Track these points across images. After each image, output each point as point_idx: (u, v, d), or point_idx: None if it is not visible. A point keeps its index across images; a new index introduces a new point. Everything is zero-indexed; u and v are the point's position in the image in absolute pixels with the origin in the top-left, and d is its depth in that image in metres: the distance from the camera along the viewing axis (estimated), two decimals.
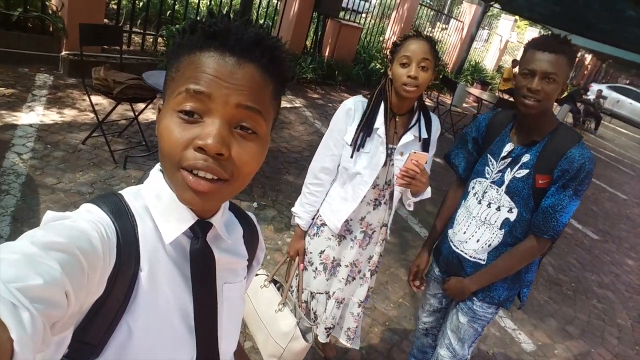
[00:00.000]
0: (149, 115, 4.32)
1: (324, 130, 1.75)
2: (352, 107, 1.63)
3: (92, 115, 3.83)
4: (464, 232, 1.66)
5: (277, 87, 0.62)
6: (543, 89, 1.40)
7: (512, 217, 1.54)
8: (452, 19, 13.12)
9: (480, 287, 1.61)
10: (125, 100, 3.47)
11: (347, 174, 1.68)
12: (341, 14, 8.92)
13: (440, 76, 9.94)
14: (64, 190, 2.94)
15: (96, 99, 4.04)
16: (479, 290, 1.64)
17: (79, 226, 0.52)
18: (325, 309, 1.88)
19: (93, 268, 0.50)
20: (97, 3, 4.90)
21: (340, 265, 1.84)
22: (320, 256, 1.80)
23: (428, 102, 9.19)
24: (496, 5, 11.17)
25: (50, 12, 4.79)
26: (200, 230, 0.64)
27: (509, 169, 1.54)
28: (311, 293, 1.85)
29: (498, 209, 1.57)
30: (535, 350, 2.99)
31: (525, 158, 1.51)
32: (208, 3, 7.04)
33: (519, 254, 1.53)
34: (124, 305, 0.57)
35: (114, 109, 3.62)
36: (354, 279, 1.89)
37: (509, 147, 1.56)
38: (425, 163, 1.53)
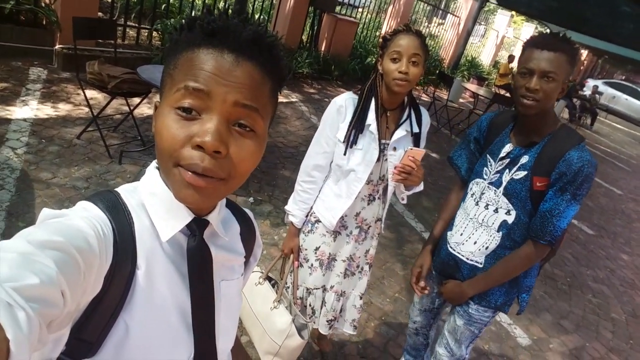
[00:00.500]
0: (144, 109, 4.29)
1: None
2: (343, 104, 1.63)
3: (86, 109, 3.80)
4: (461, 234, 1.64)
5: (275, 85, 0.62)
6: (542, 88, 1.36)
7: (510, 219, 1.51)
8: (449, 14, 13.09)
9: (478, 292, 1.58)
10: (120, 95, 3.45)
11: (341, 171, 1.68)
12: (337, 8, 8.88)
13: (437, 71, 9.95)
14: (59, 185, 2.92)
15: (91, 93, 4.01)
16: (475, 294, 1.62)
17: (75, 224, 0.52)
18: (324, 302, 1.88)
19: (89, 266, 0.50)
20: None
21: (337, 260, 1.84)
22: (316, 253, 1.80)
23: (424, 98, 9.20)
24: (492, 0, 11.18)
25: (43, 4, 4.74)
26: (197, 227, 0.64)
27: (507, 170, 1.51)
28: (307, 289, 1.85)
29: (496, 210, 1.54)
30: (530, 345, 3.01)
31: (524, 159, 1.47)
32: None
33: (516, 260, 1.50)
34: (121, 303, 0.57)
35: (108, 103, 3.59)
36: (353, 273, 1.89)
37: (508, 147, 1.53)
38: (421, 159, 1.53)
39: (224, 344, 0.73)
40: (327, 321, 1.90)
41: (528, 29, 18.15)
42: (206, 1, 7.18)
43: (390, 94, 1.60)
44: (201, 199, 0.57)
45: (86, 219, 0.54)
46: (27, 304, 0.39)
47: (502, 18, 15.98)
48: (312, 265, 1.81)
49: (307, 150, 1.75)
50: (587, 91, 14.79)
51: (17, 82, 4.12)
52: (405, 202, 1.79)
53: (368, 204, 1.75)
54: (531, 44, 1.39)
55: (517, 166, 1.49)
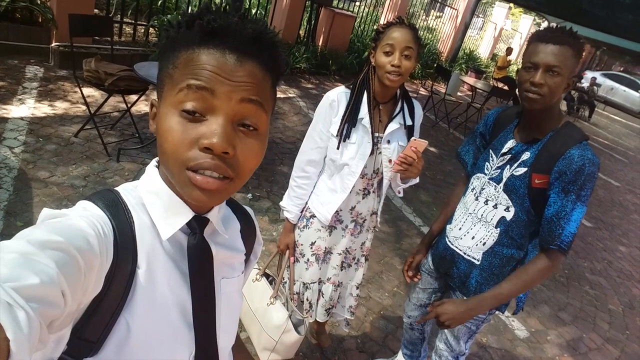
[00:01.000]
0: (142, 107, 4.29)
1: None
2: (335, 98, 1.63)
3: (84, 107, 3.80)
4: (460, 228, 1.64)
5: (275, 80, 0.63)
6: (547, 82, 1.33)
7: (509, 216, 1.50)
8: (447, 7, 13.04)
9: (487, 310, 1.50)
10: (117, 92, 3.44)
11: (335, 166, 1.68)
12: (335, 2, 8.85)
13: (435, 65, 9.92)
14: (57, 183, 2.92)
15: (88, 91, 4.01)
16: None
17: (75, 224, 0.52)
18: (322, 293, 1.90)
19: (90, 266, 0.50)
20: None
21: (333, 253, 1.85)
22: (312, 247, 1.81)
23: (422, 91, 9.18)
24: None
25: (38, 2, 4.72)
26: (197, 225, 0.65)
27: (508, 166, 1.50)
28: (304, 284, 1.87)
29: (495, 206, 1.53)
30: (528, 337, 3.03)
31: (525, 156, 1.46)
32: None
33: (529, 273, 1.43)
34: (122, 302, 0.57)
35: (105, 101, 3.58)
36: (349, 265, 1.91)
37: (510, 143, 1.52)
38: (423, 150, 1.53)
39: (224, 341, 0.73)
40: (325, 310, 1.92)
41: (526, 21, 18.10)
42: None
43: (383, 87, 1.60)
44: (210, 199, 0.58)
45: (86, 218, 0.54)
46: (27, 304, 0.39)
47: (500, 10, 15.93)
48: (308, 260, 1.83)
49: None
50: (585, 83, 14.77)
51: (14, 81, 4.11)
52: (401, 195, 1.79)
53: (363, 197, 1.76)
54: (536, 38, 1.37)
55: (518, 162, 1.47)
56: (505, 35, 18.47)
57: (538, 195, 1.43)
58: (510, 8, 15.97)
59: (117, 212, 0.59)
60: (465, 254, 1.62)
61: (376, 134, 1.65)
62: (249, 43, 0.56)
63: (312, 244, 1.81)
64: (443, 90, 7.52)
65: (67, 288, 0.45)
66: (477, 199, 1.59)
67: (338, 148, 1.63)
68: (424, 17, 13.02)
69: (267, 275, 1.86)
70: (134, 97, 3.80)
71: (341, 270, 1.88)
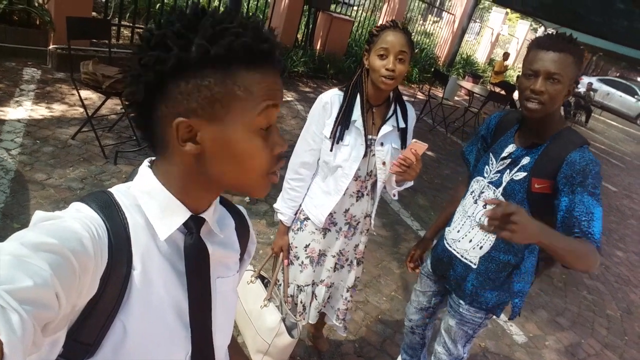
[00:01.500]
0: None
1: None
2: (328, 100, 1.63)
3: (81, 110, 3.78)
4: (458, 231, 1.64)
5: None
6: (547, 90, 1.33)
7: None
8: (444, 12, 13.10)
9: (541, 237, 1.16)
10: (114, 95, 3.43)
11: (328, 168, 1.68)
12: (332, 6, 8.88)
13: (432, 69, 9.95)
14: (54, 186, 2.91)
15: (85, 93, 4.00)
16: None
17: (69, 226, 0.52)
18: (315, 295, 1.89)
19: (84, 269, 0.50)
20: None
21: (327, 256, 1.85)
22: (306, 250, 1.80)
23: (420, 96, 9.20)
24: None
25: (36, 4, 4.71)
26: (194, 225, 0.65)
27: (507, 170, 1.50)
28: (298, 286, 1.86)
29: None
30: (526, 342, 3.02)
31: (525, 160, 1.46)
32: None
33: (582, 244, 1.26)
34: (118, 304, 0.57)
35: (103, 103, 3.57)
36: (342, 266, 1.91)
37: (510, 147, 1.52)
38: (422, 153, 1.53)
39: (220, 340, 0.74)
40: (318, 312, 1.92)
41: (523, 27, 18.22)
42: (200, 0, 7.15)
43: (376, 90, 1.60)
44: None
45: (80, 220, 0.54)
46: (20, 307, 0.39)
47: (497, 15, 16.02)
48: (302, 262, 1.82)
49: None
50: (581, 88, 14.83)
51: (11, 83, 4.09)
52: (396, 197, 1.80)
53: (357, 200, 1.75)
54: (536, 45, 1.36)
55: (517, 167, 1.47)
56: (502, 40, 18.56)
57: (538, 200, 1.43)
58: (507, 13, 16.06)
59: (111, 214, 0.59)
60: (462, 256, 1.62)
61: (369, 137, 1.65)
62: (280, 58, 0.62)
63: (306, 246, 1.80)
64: (440, 95, 7.55)
65: (61, 290, 0.45)
66: (475, 202, 1.60)
67: (331, 150, 1.63)
68: (421, 21, 13.07)
69: (262, 278, 1.85)
70: None
71: (334, 271, 1.88)
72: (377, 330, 2.65)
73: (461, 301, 1.64)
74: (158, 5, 6.31)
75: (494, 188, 1.53)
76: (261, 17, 7.46)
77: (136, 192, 0.63)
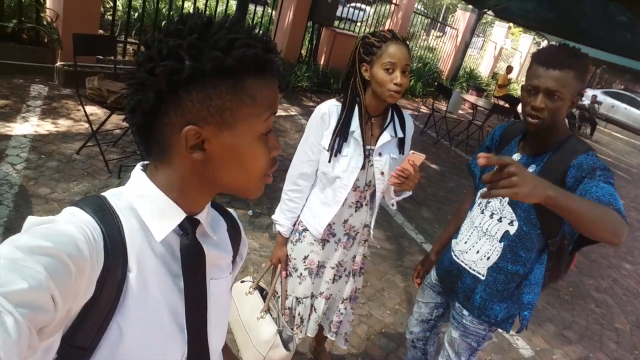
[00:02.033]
0: None
1: None
2: (326, 111, 1.63)
3: (86, 125, 3.83)
4: (465, 242, 1.63)
5: None
6: (547, 106, 1.33)
7: (512, 230, 1.49)
8: (447, 27, 13.21)
9: (554, 200, 1.07)
10: (119, 110, 3.47)
11: (327, 179, 1.68)
12: (336, 22, 8.98)
13: (436, 83, 10.00)
14: (57, 200, 2.93)
15: (91, 109, 4.04)
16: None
17: (64, 230, 0.52)
18: (315, 308, 1.87)
19: (80, 271, 0.50)
20: (92, 14, 4.92)
21: (326, 267, 1.83)
22: (305, 261, 1.79)
23: (424, 109, 9.23)
24: (490, 12, 11.29)
25: (45, 23, 4.81)
26: (189, 226, 0.66)
27: None
28: (297, 298, 1.84)
29: (500, 220, 1.52)
30: (533, 356, 2.97)
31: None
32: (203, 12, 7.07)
33: (603, 207, 1.16)
34: (114, 306, 0.57)
35: (107, 118, 3.61)
36: (340, 277, 1.89)
37: (515, 157, 1.52)
38: (419, 163, 1.53)
39: (215, 342, 0.74)
40: (317, 325, 1.90)
41: (526, 40, 18.31)
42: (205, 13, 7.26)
43: (378, 102, 1.60)
44: None
45: (75, 224, 0.54)
46: (15, 309, 0.39)
47: (499, 30, 16.13)
48: (301, 274, 1.81)
49: None
50: (586, 101, 14.82)
51: (18, 99, 4.16)
52: (395, 207, 1.80)
53: (355, 210, 1.75)
54: (537, 60, 1.36)
55: None
56: (505, 54, 18.65)
57: (544, 208, 1.42)
58: (509, 27, 16.18)
59: (105, 217, 0.59)
60: (470, 268, 1.61)
61: (368, 147, 1.65)
62: (281, 70, 0.66)
63: (305, 257, 1.79)
64: (444, 108, 7.55)
65: (57, 292, 0.45)
66: (482, 212, 1.59)
67: (329, 161, 1.63)
68: (424, 36, 13.18)
69: (260, 289, 1.84)
70: None
71: (333, 283, 1.87)
72: (381, 344, 2.62)
73: (465, 312, 1.62)
74: (164, 23, 6.41)
75: (500, 197, 1.53)
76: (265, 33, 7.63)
77: (130, 196, 0.64)
